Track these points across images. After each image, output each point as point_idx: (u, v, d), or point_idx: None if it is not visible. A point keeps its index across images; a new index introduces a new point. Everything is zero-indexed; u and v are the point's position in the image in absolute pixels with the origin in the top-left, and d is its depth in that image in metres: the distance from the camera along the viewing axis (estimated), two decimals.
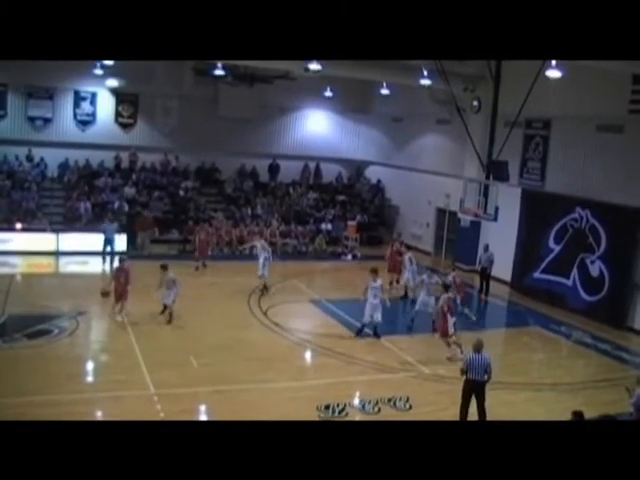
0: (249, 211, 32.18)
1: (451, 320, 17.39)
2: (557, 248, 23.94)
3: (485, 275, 24.88)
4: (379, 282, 18.60)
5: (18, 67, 27.30)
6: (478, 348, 12.71)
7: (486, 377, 12.66)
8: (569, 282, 23.22)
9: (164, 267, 19.40)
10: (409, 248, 25.00)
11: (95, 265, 25.55)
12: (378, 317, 18.37)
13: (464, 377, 12.81)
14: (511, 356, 19.20)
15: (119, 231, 26.59)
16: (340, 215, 34.28)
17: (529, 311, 23.34)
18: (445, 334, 17.48)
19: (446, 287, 18.29)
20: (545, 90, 21.59)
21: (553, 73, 19.58)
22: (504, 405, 14.21)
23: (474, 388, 12.66)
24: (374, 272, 18.79)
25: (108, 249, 25.93)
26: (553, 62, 19.16)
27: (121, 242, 27.20)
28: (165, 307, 19.09)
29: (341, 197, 36.21)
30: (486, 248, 25.10)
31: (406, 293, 23.21)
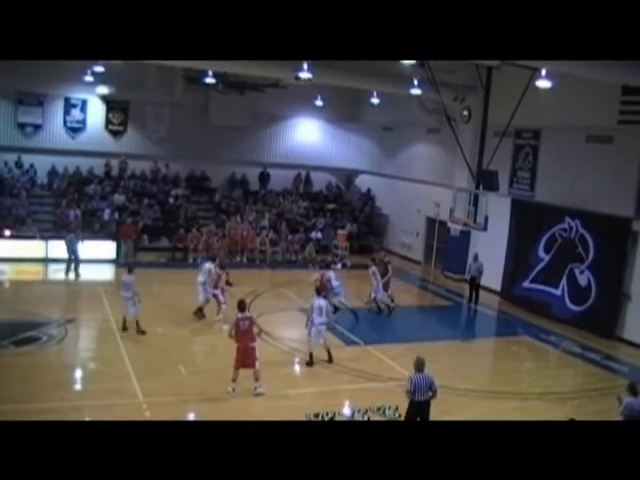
0: (239, 219, 32.11)
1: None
2: (546, 258, 24.01)
3: (474, 284, 24.89)
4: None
5: (8, 73, 27.21)
6: (420, 367, 12.15)
7: (430, 394, 12.12)
8: (558, 292, 23.28)
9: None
10: (374, 261, 24.54)
11: (85, 273, 25.40)
12: None
13: (409, 399, 12.10)
14: (500, 365, 19.28)
15: (82, 241, 25.87)
16: (330, 224, 34.30)
17: (518, 320, 23.37)
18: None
19: (242, 304, 15.16)
20: (535, 100, 21.70)
21: (543, 83, 19.66)
22: (493, 414, 14.24)
23: (421, 409, 12.07)
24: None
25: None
26: (543, 72, 19.25)
27: (110, 251, 27.25)
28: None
29: (331, 206, 36.23)
30: (475, 258, 25.15)
31: (378, 306, 22.93)
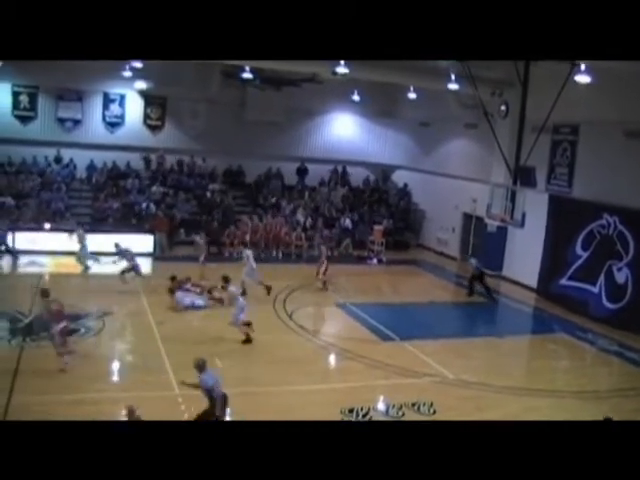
0: (270, 214, 32.26)
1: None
2: (584, 255, 23.74)
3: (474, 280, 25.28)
4: None
5: (49, 69, 27.56)
6: (204, 366, 11.98)
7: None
8: (595, 289, 22.99)
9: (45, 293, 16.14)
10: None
11: (122, 266, 25.69)
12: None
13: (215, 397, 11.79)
14: (536, 363, 19.09)
15: (7, 232, 26.14)
16: (366, 219, 34.26)
17: (555, 318, 23.16)
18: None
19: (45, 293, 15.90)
20: (573, 95, 21.43)
21: (582, 78, 19.45)
22: (528, 412, 14.14)
23: (225, 404, 11.96)
24: None
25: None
26: (582, 67, 19.05)
27: (148, 244, 27.65)
28: None
29: (368, 201, 36.18)
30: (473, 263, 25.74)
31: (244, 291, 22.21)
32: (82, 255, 24.34)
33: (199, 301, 20.85)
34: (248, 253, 23.13)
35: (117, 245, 23.09)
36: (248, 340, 17.67)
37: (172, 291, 20.86)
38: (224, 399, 11.90)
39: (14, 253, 25.70)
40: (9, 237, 26.16)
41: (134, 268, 22.35)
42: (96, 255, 24.39)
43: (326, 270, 24.38)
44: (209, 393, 11.79)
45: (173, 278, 21.56)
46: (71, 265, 24.38)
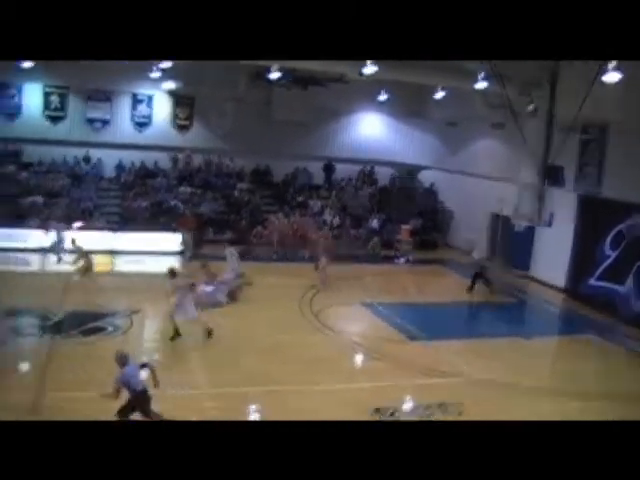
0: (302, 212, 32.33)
1: None
2: (613, 255, 23.54)
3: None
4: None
5: (79, 70, 27.80)
6: (126, 360, 11.71)
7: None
8: (623, 289, 22.77)
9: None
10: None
11: (150, 264, 25.89)
12: None
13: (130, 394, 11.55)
14: (563, 364, 18.96)
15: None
16: (394, 218, 34.19)
17: (583, 318, 22.98)
18: None
19: None
20: (602, 94, 21.24)
21: (611, 77, 19.29)
22: (554, 413, 14.04)
23: (144, 399, 11.65)
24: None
25: None
26: (610, 66, 18.88)
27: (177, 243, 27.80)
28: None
29: (395, 200, 36.10)
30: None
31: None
32: (55, 247, 24.98)
33: (221, 296, 20.84)
34: (231, 250, 22.72)
35: (74, 241, 23.16)
36: (177, 334, 17.17)
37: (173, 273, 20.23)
38: (146, 395, 11.71)
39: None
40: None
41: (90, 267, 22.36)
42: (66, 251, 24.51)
43: (324, 267, 23.82)
44: (130, 388, 11.58)
45: (204, 265, 21.52)
46: (100, 263, 24.61)
